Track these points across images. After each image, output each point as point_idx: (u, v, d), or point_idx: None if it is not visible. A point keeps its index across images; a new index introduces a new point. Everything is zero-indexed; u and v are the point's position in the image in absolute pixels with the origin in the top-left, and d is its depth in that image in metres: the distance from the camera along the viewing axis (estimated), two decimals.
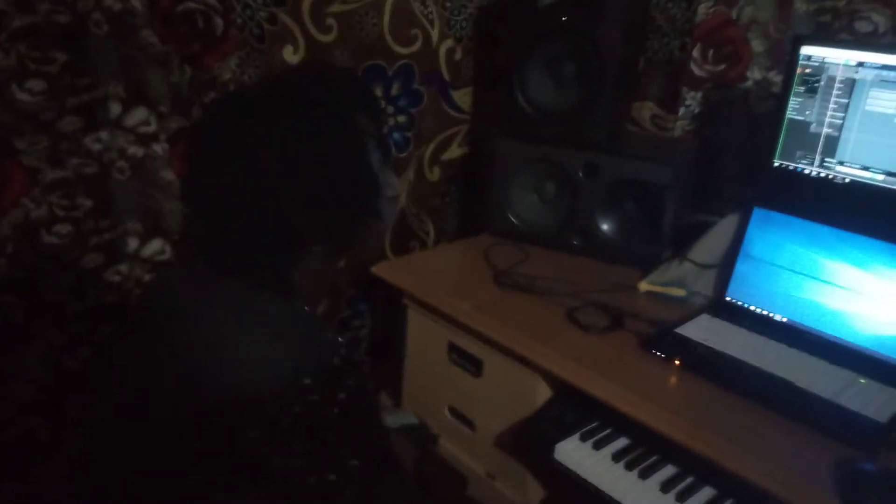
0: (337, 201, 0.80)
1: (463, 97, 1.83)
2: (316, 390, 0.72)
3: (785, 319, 1.23)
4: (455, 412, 1.40)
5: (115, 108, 1.29)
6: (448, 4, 1.70)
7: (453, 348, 1.36)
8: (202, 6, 1.33)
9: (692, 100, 1.67)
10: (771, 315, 1.25)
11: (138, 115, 1.32)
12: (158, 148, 1.36)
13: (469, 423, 1.37)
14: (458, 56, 1.77)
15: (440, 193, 1.90)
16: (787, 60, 1.26)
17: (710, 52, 1.61)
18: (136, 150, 1.33)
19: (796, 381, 1.06)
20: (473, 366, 1.32)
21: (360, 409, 0.78)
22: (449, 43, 1.74)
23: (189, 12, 1.31)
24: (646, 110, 1.75)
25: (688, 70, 1.65)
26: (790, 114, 1.27)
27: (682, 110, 1.68)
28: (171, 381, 0.76)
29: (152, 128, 1.34)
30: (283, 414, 0.70)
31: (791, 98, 1.26)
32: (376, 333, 1.90)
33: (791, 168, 1.29)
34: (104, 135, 1.28)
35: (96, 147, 1.28)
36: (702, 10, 1.60)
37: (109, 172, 1.31)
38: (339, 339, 0.83)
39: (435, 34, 1.70)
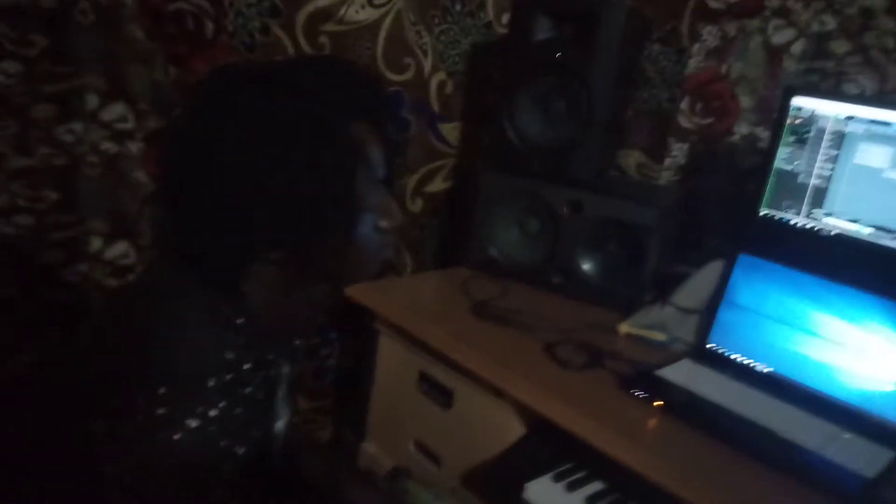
0: (294, 202, 0.71)
1: (451, 131, 1.82)
2: (165, 406, 0.63)
3: (768, 369, 1.19)
4: (420, 446, 1.33)
5: (92, 101, 1.24)
6: (443, 38, 1.70)
7: (424, 378, 1.30)
8: (194, 8, 1.30)
9: (678, 151, 1.67)
10: (753, 364, 1.21)
11: (116, 110, 1.27)
12: (133, 147, 1.31)
13: (434, 459, 1.29)
14: (448, 90, 1.77)
15: (420, 226, 1.87)
16: (778, 109, 1.27)
17: (699, 106, 1.63)
18: (109, 146, 1.28)
19: (779, 431, 1.02)
20: (444, 396, 1.26)
21: (195, 452, 0.65)
22: (441, 76, 1.74)
23: (180, 12, 1.29)
24: (632, 158, 1.75)
25: (675, 121, 1.66)
26: (778, 163, 1.27)
27: (667, 160, 1.69)
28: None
29: (129, 125, 1.29)
30: (126, 418, 0.62)
31: (780, 148, 1.26)
32: (344, 364, 1.83)
33: (777, 218, 1.28)
34: (78, 127, 1.24)
35: (68, 138, 1.23)
36: (692, 63, 1.62)
37: (79, 166, 1.26)
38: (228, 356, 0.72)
39: (427, 65, 1.70)
